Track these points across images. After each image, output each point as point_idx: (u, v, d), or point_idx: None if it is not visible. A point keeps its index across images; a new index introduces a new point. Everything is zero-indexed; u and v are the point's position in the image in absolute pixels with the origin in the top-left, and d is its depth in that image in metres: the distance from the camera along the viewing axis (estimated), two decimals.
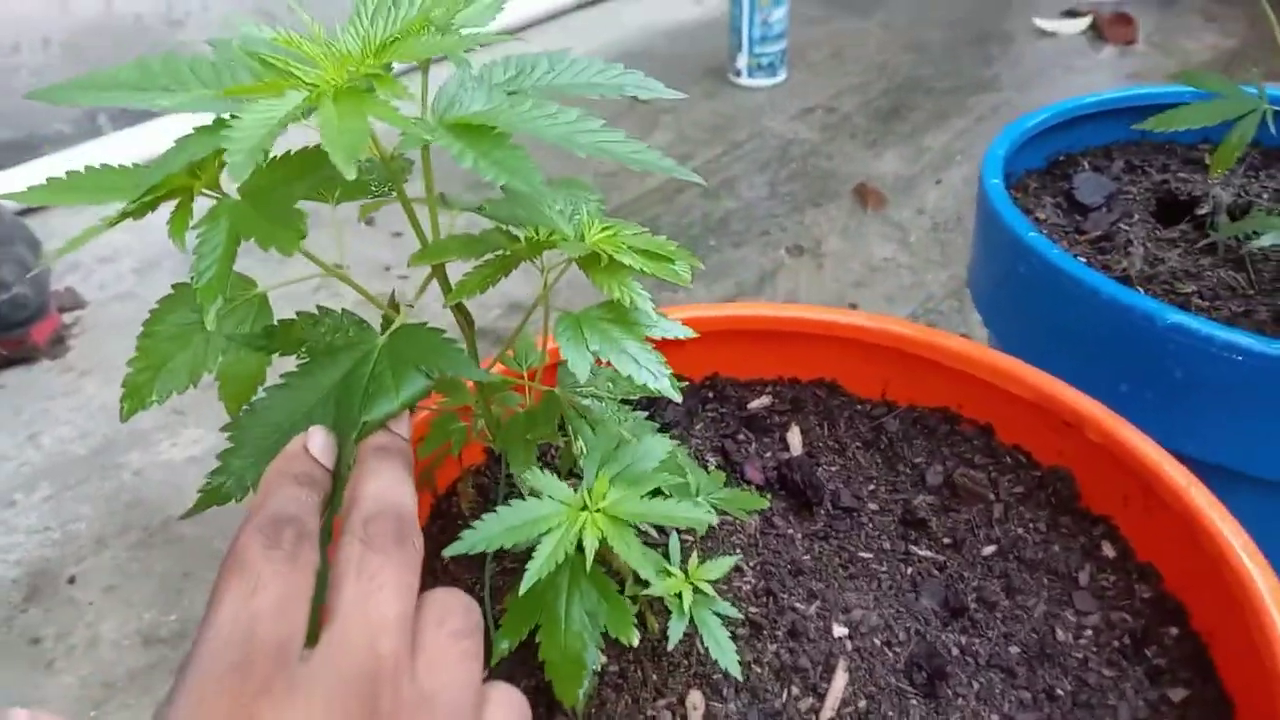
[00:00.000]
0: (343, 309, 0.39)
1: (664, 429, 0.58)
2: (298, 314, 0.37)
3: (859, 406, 0.58)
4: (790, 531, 0.52)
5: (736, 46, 1.72)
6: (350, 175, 0.25)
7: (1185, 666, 0.44)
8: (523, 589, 0.34)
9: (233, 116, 0.31)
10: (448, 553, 0.34)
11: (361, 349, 0.36)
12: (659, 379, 0.39)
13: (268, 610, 0.27)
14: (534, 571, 0.34)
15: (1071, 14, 1.93)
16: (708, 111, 1.69)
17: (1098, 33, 1.86)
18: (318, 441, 0.33)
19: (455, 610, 0.31)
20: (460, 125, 0.33)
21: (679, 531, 0.51)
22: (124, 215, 0.31)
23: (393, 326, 0.37)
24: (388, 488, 0.32)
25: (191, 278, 0.32)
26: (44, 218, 1.42)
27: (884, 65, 1.83)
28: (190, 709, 0.25)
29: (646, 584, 0.41)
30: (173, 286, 0.34)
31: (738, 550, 0.50)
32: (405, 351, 0.35)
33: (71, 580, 0.88)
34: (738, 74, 1.75)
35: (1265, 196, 0.75)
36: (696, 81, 1.79)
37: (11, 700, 0.78)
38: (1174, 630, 0.45)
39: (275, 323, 0.37)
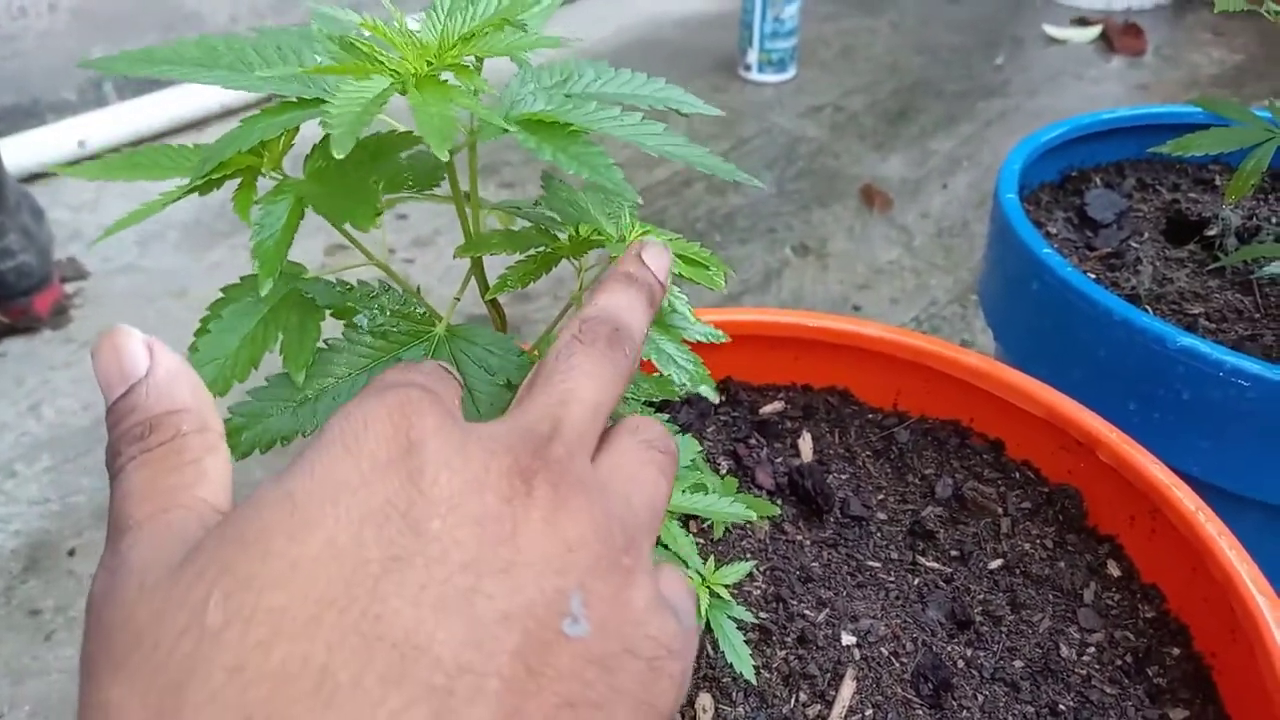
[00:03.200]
0: (407, 290, 0.39)
1: (678, 431, 0.59)
2: (359, 282, 0.38)
3: (870, 415, 0.59)
4: (800, 538, 0.52)
5: (747, 41, 1.72)
6: (444, 158, 0.27)
7: (1186, 687, 0.45)
8: None
9: (310, 99, 0.32)
10: None
11: (412, 331, 0.37)
12: (697, 380, 0.41)
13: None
14: None
15: (1082, 22, 1.94)
16: (716, 105, 1.68)
17: (1107, 42, 1.87)
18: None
19: (656, 429, 0.29)
20: (534, 120, 0.34)
21: (691, 534, 0.51)
22: (188, 190, 0.32)
23: (445, 320, 0.38)
24: (621, 304, 0.31)
25: (252, 249, 0.32)
26: (49, 186, 1.41)
27: (894, 66, 1.83)
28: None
29: None
30: (223, 290, 0.34)
31: (748, 555, 0.51)
32: (473, 350, 0.36)
33: (71, 553, 0.89)
34: (748, 69, 1.75)
35: (1274, 220, 0.76)
36: (706, 74, 1.79)
37: (9, 671, 0.78)
38: (1176, 651, 0.46)
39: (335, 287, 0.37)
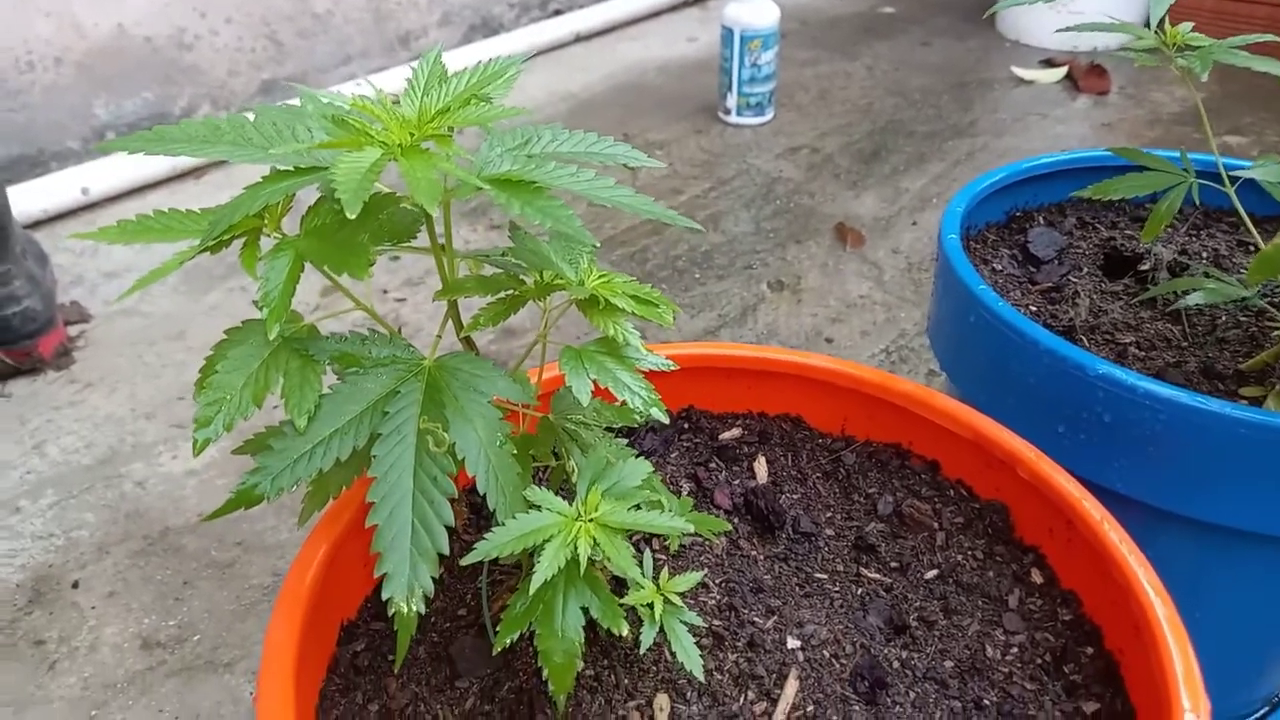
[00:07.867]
0: (392, 333, 0.44)
1: (642, 456, 0.64)
2: (350, 332, 0.42)
3: (820, 440, 0.64)
4: (754, 553, 0.57)
5: (726, 86, 1.79)
6: (434, 213, 0.32)
7: (1098, 682, 0.49)
8: (533, 588, 0.39)
9: (308, 168, 0.37)
10: (465, 561, 0.39)
11: (407, 366, 0.42)
12: (648, 404, 0.45)
13: None
14: (542, 572, 0.39)
15: (1049, 63, 2.01)
16: (697, 147, 1.75)
17: (1073, 83, 1.94)
18: None
19: None
20: (503, 180, 0.39)
21: (652, 549, 0.56)
22: (200, 250, 0.37)
23: (432, 354, 0.43)
24: None
25: (258, 302, 0.37)
26: (52, 231, 1.47)
27: (868, 108, 1.90)
28: None
29: (622, 594, 0.46)
30: (226, 332, 0.39)
31: (705, 569, 0.55)
32: (459, 374, 0.41)
33: (75, 585, 0.92)
34: (727, 112, 1.81)
35: (1204, 255, 0.81)
36: (687, 117, 1.86)
37: (13, 700, 0.82)
38: (1090, 650, 0.50)
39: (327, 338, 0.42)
